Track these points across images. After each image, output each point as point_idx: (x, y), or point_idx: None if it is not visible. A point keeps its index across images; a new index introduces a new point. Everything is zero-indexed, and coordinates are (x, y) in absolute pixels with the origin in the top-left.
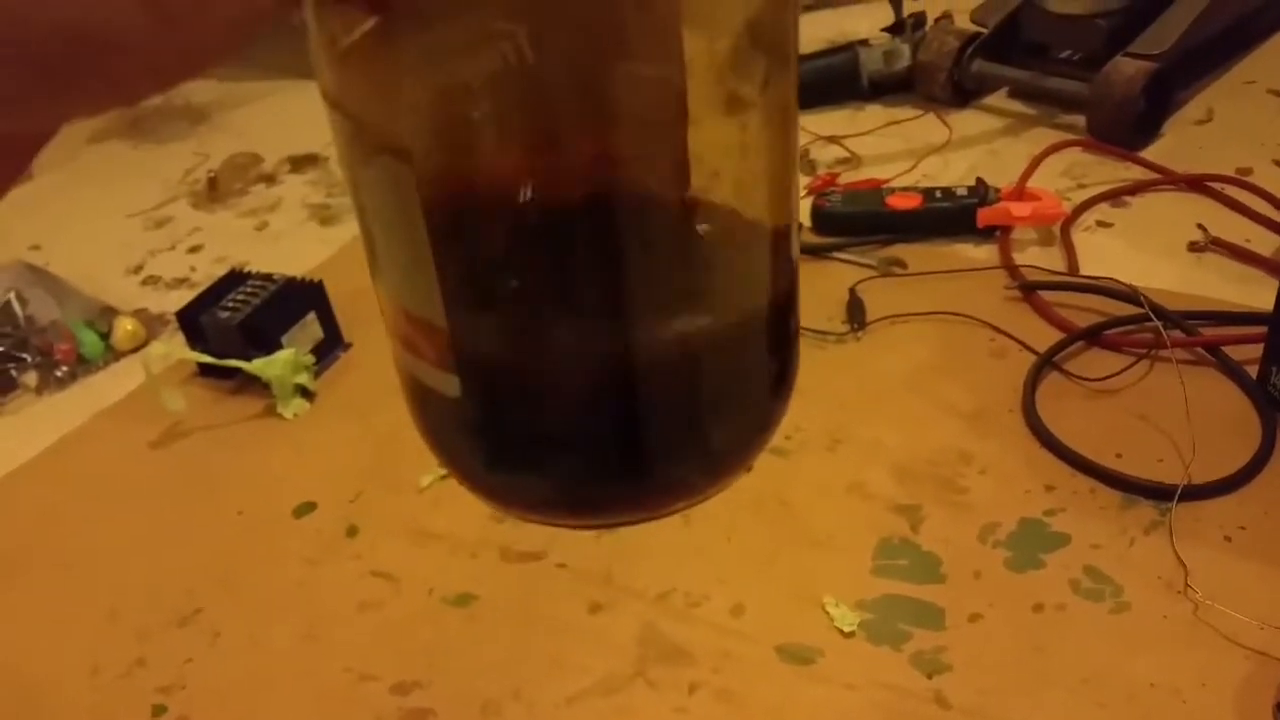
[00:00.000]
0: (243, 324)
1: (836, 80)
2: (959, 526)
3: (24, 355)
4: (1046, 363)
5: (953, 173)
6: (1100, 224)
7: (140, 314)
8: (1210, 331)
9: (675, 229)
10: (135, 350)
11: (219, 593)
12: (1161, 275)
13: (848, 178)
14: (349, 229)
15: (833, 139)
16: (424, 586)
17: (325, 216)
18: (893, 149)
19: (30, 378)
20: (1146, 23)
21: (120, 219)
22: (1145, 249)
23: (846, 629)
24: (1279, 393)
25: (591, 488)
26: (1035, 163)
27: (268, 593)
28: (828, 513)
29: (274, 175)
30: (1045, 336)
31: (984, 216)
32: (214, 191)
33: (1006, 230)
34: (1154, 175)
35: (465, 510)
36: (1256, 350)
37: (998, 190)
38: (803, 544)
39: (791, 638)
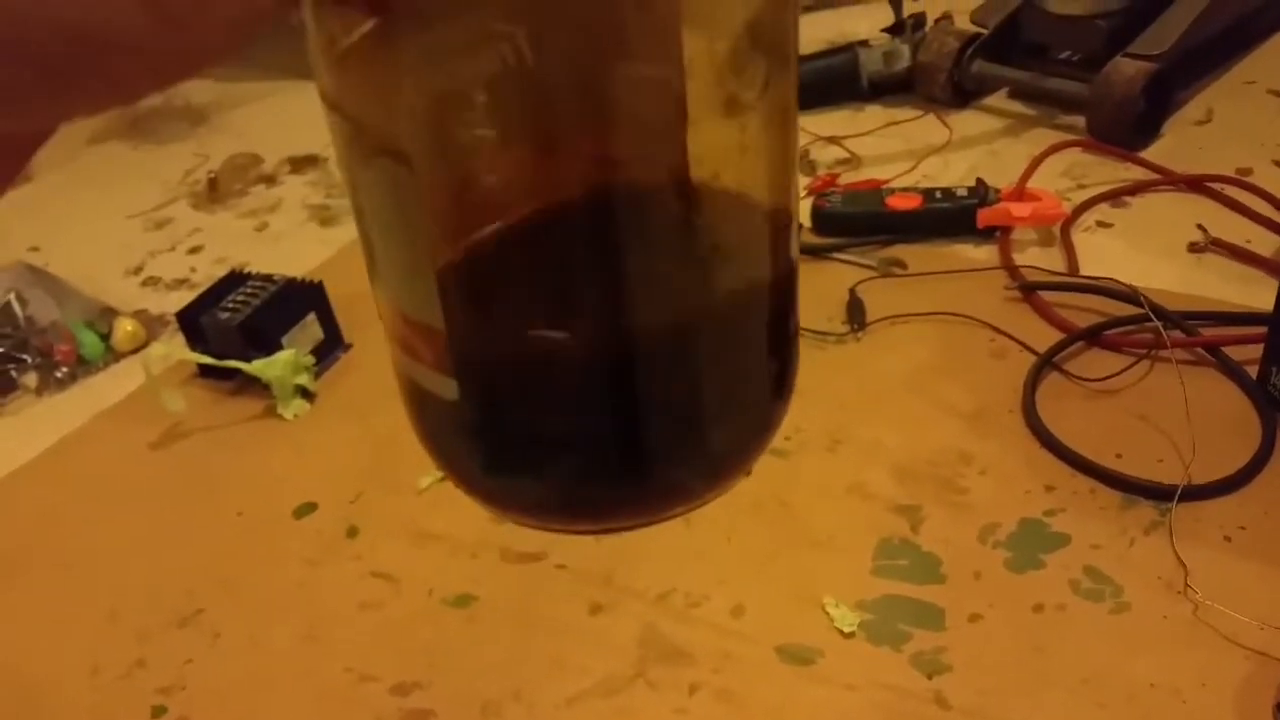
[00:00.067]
0: (243, 325)
1: (836, 81)
2: (959, 527)
3: (24, 356)
4: (1046, 363)
5: (953, 173)
6: (1100, 224)
7: (140, 315)
8: (1210, 332)
9: (674, 230)
10: (135, 351)
11: (219, 593)
12: (1161, 275)
13: (848, 178)
14: (349, 230)
15: (833, 139)
16: (424, 587)
17: (325, 217)
18: (893, 149)
19: (30, 379)
20: (1146, 23)
21: (120, 220)
22: (1145, 249)
23: (846, 629)
24: (1279, 393)
25: (590, 492)
26: (1035, 163)
27: (268, 593)
28: (828, 513)
29: (274, 176)
30: (1045, 337)
31: (984, 217)
32: (214, 192)
33: (1006, 231)
34: (1154, 176)
35: (465, 511)
36: (1256, 350)
37: (998, 191)
38: (803, 544)
39: (792, 638)
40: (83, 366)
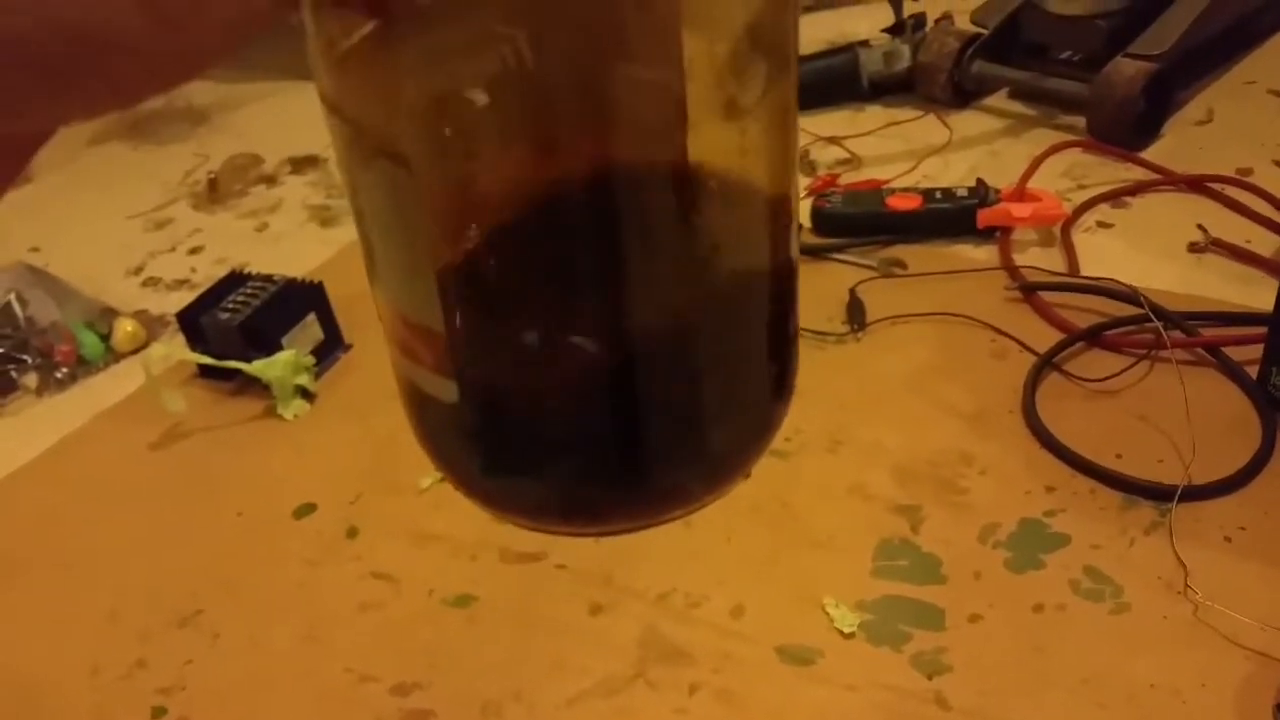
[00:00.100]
0: (243, 325)
1: (837, 81)
2: (959, 527)
3: (24, 357)
4: (1047, 363)
5: (953, 173)
6: (1100, 225)
7: (140, 315)
8: (1210, 332)
9: (675, 232)
10: (135, 351)
11: (219, 594)
12: (1162, 276)
13: (848, 179)
14: (349, 230)
15: (833, 140)
16: (424, 588)
17: (325, 218)
18: (893, 150)
19: (30, 379)
20: (1146, 23)
21: (120, 220)
22: (1145, 249)
23: (847, 630)
24: (1279, 393)
25: (590, 494)
26: (1035, 163)
27: (268, 594)
28: (828, 514)
29: (274, 176)
30: (1045, 337)
31: (984, 217)
32: (214, 193)
33: (1007, 231)
34: (1154, 176)
35: (465, 512)
36: (1257, 351)
37: (998, 191)
38: (803, 545)
39: (792, 639)
40: (83, 367)
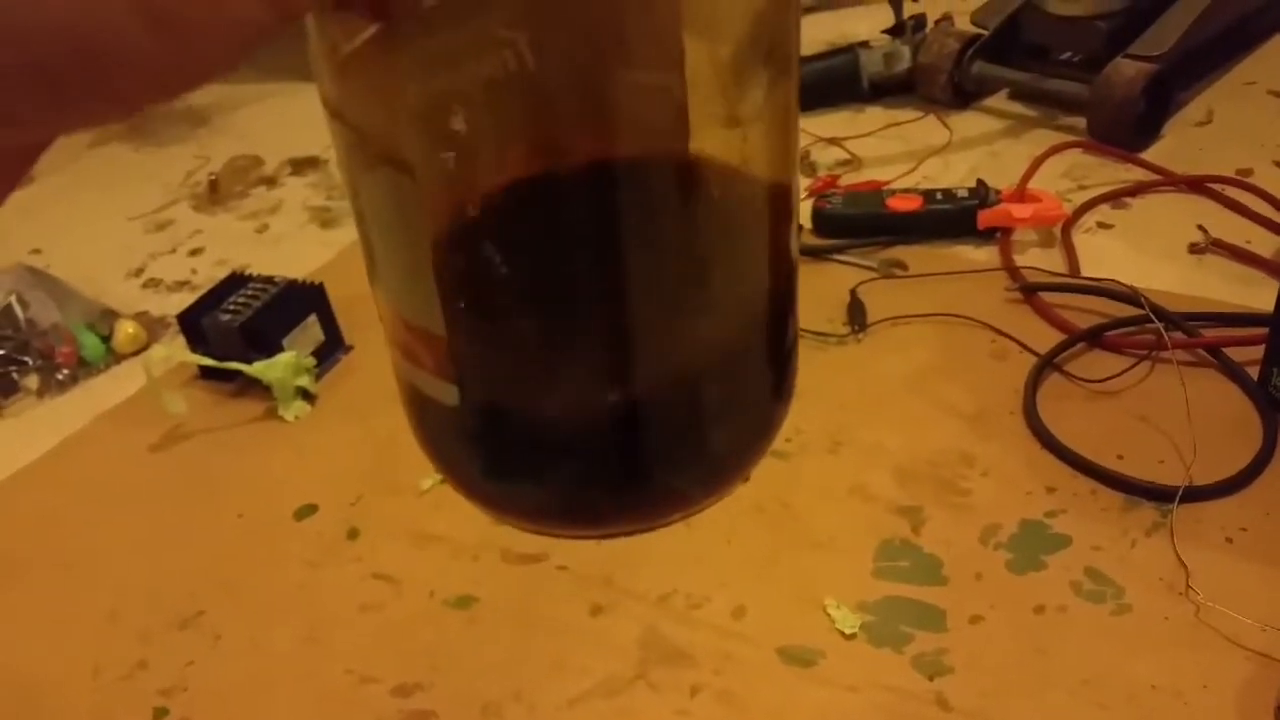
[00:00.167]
0: (244, 326)
1: (837, 82)
2: (960, 528)
3: (25, 358)
4: (1047, 364)
5: (953, 174)
6: (1101, 225)
7: (141, 317)
8: (1211, 333)
9: (676, 235)
10: (136, 353)
11: (220, 595)
12: (1162, 276)
13: (848, 179)
14: (350, 232)
15: (833, 141)
16: (425, 589)
17: (326, 219)
18: (893, 151)
19: (31, 381)
20: (1146, 24)
21: (121, 222)
22: (1146, 250)
23: (848, 631)
24: None
25: (590, 497)
26: (1036, 164)
27: (269, 595)
28: (829, 515)
29: (275, 178)
30: (1046, 338)
31: (984, 218)
32: (215, 194)
33: (1007, 232)
34: (1154, 176)
35: (466, 513)
36: (1257, 352)
37: (998, 192)
38: (804, 546)
39: (793, 640)
40: (84, 368)
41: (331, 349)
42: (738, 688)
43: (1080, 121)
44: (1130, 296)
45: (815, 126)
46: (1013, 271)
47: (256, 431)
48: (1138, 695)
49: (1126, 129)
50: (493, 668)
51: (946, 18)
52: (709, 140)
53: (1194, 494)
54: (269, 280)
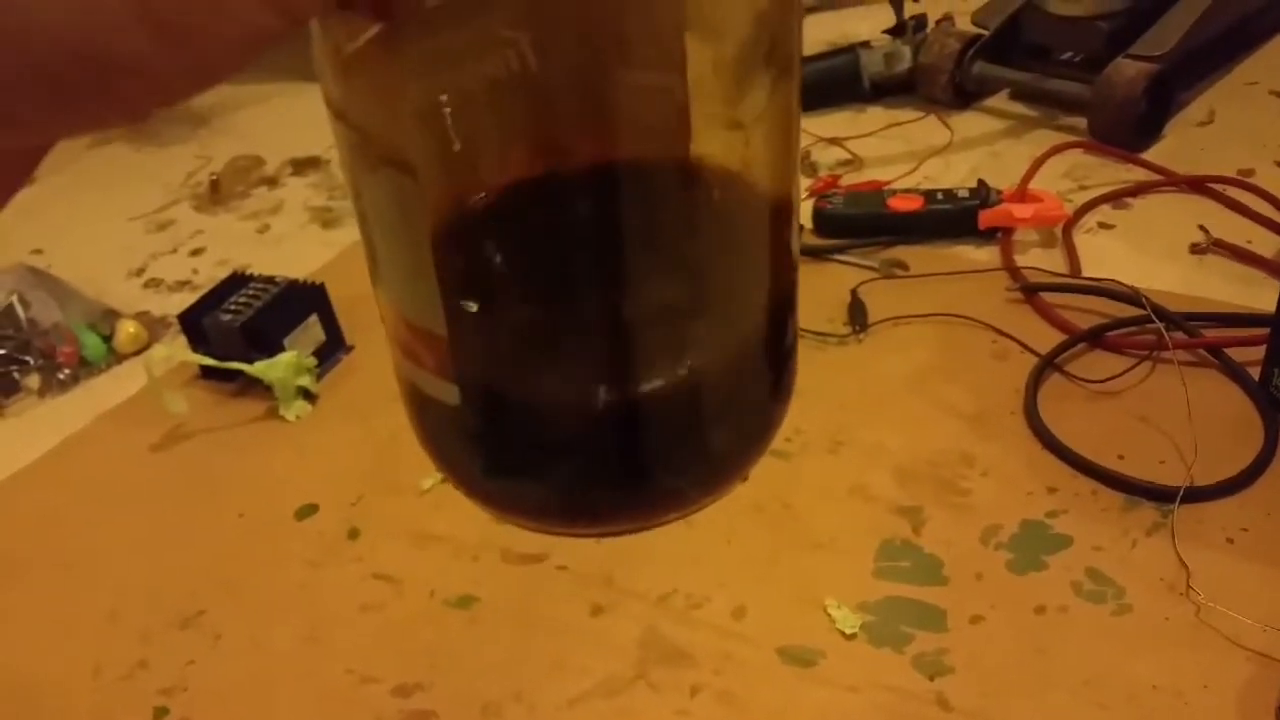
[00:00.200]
0: (245, 326)
1: (838, 82)
2: (961, 528)
3: (26, 358)
4: (1048, 364)
5: (954, 174)
6: (1102, 225)
7: (142, 316)
8: (1212, 333)
9: (676, 237)
10: (137, 353)
11: (220, 595)
12: (1163, 277)
13: (849, 180)
14: (351, 232)
15: (834, 141)
16: (425, 588)
17: (327, 219)
18: (894, 151)
19: (33, 380)
20: (1148, 24)
21: (122, 222)
22: (1147, 250)
23: (848, 631)
24: None
25: (589, 496)
26: (1037, 164)
27: (269, 595)
28: (829, 515)
29: (276, 178)
30: (1047, 338)
31: (985, 218)
32: (216, 194)
33: (1008, 232)
34: (1155, 177)
35: (467, 513)
36: (1258, 352)
37: (999, 192)
38: (804, 546)
39: (793, 640)
40: (85, 368)
41: (332, 349)
42: (738, 688)
43: (1081, 122)
44: (1131, 297)
45: (816, 126)
46: (1014, 272)
47: (257, 431)
48: (1138, 695)
49: (1128, 129)
50: (493, 668)
51: (947, 18)
52: (711, 141)
53: (1195, 494)
54: (270, 280)
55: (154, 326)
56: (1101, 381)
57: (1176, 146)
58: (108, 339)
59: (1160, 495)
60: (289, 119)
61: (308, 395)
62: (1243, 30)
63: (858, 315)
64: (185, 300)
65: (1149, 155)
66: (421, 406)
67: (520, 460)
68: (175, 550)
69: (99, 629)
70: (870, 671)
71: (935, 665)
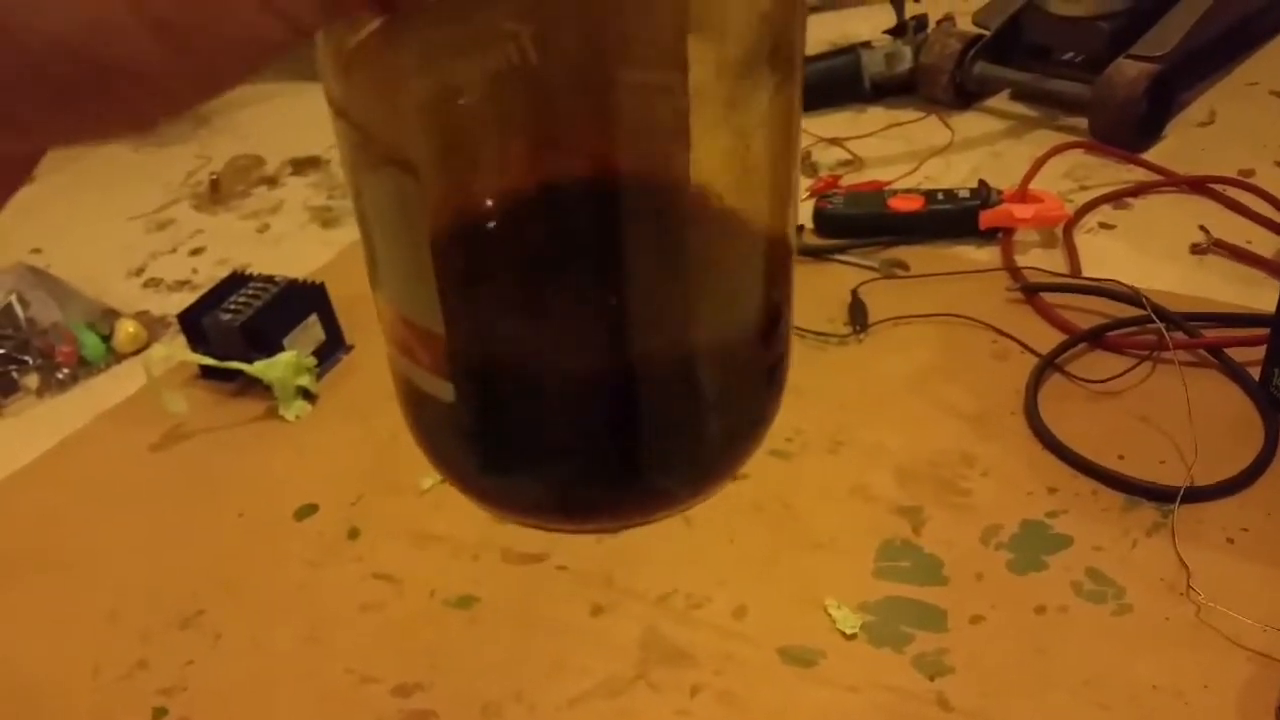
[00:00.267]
0: (244, 326)
1: (839, 82)
2: (961, 528)
3: (25, 357)
4: (1049, 364)
5: (955, 175)
6: (1102, 226)
7: (142, 316)
8: (1212, 333)
9: (674, 237)
10: (137, 352)
11: (220, 594)
12: (1164, 277)
13: (850, 180)
14: (351, 231)
15: (835, 141)
16: (425, 588)
17: (327, 219)
18: (895, 151)
19: (31, 380)
20: (1149, 25)
21: (122, 221)
22: (1147, 251)
23: (848, 631)
24: None
25: (582, 492)
26: (1037, 165)
27: (269, 595)
28: (829, 515)
29: (276, 178)
30: (1047, 338)
31: (986, 218)
32: (216, 194)
33: (1009, 232)
34: (1156, 177)
35: (467, 512)
36: (1259, 352)
37: (1000, 192)
38: (804, 546)
39: (793, 640)
40: (84, 368)
41: (332, 348)
42: (738, 688)
43: (1082, 122)
44: (1132, 297)
45: (817, 126)
46: (1014, 272)
47: (257, 431)
48: (1139, 695)
49: (1128, 129)
50: (493, 668)
51: (948, 18)
52: (711, 141)
53: (1195, 494)
54: (270, 280)
55: (153, 326)
56: (1102, 381)
57: (1177, 147)
58: (107, 338)
59: (1160, 495)
60: (289, 118)
61: (307, 395)
62: (1243, 31)
63: (858, 315)
64: (185, 300)
65: (1150, 155)
66: (416, 402)
67: (512, 456)
68: (175, 550)
69: (98, 629)
70: (870, 671)
71: (935, 665)
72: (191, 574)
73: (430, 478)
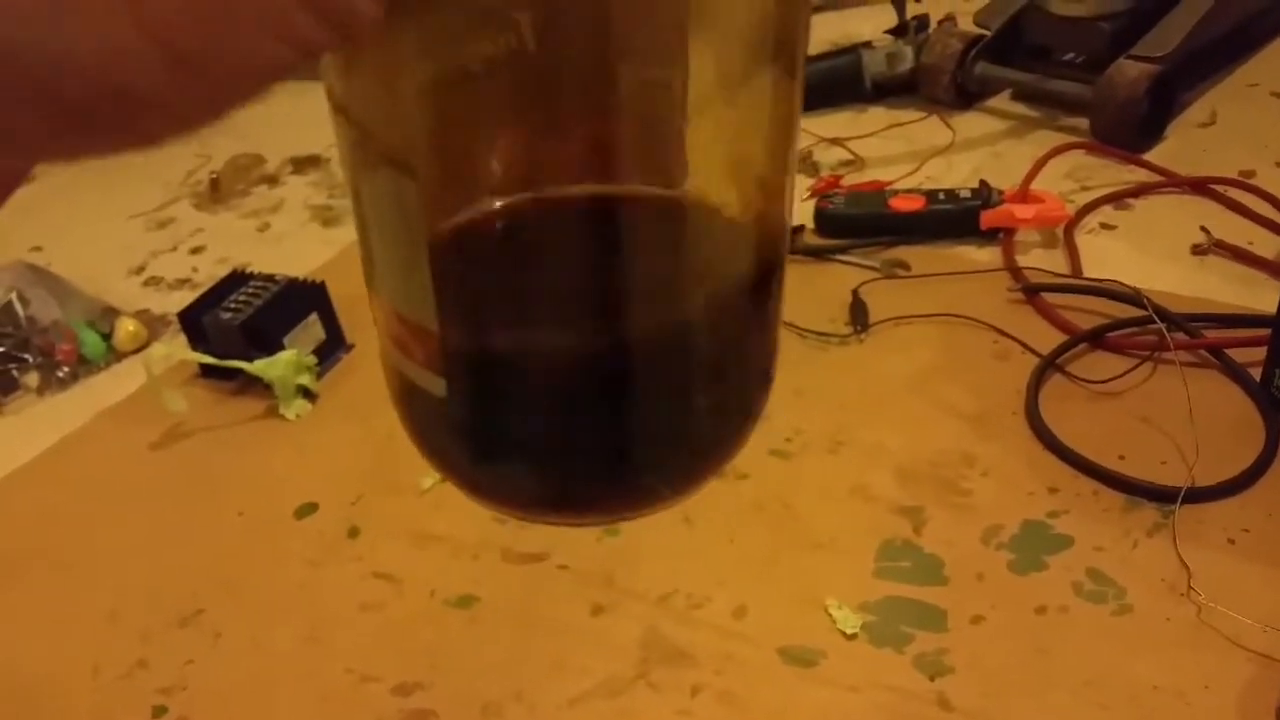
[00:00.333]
0: (244, 325)
1: (840, 82)
2: (962, 528)
3: (25, 356)
4: (1049, 365)
5: (956, 175)
6: (1103, 226)
7: (142, 315)
8: (1213, 334)
9: (669, 232)
10: (137, 351)
11: (220, 594)
12: (1164, 277)
13: (851, 180)
14: (351, 230)
15: (836, 141)
16: (425, 588)
17: (327, 218)
18: (896, 151)
19: (32, 378)
20: (1150, 25)
21: (122, 220)
22: (1148, 251)
23: (849, 631)
24: None
25: (570, 485)
26: (1038, 165)
27: (269, 594)
28: (830, 515)
29: (276, 176)
30: (1048, 338)
31: (987, 219)
32: (216, 192)
33: (1010, 232)
34: (1157, 178)
35: (467, 512)
36: (1260, 353)
37: (1001, 192)
38: (805, 546)
39: (794, 640)
40: (84, 366)
41: (333, 347)
42: (739, 688)
43: (1083, 122)
44: (1132, 297)
45: (818, 126)
46: (1015, 272)
47: (257, 430)
48: (1139, 696)
49: (1129, 130)
50: (493, 667)
51: (949, 18)
52: (708, 139)
53: (1196, 495)
54: (270, 278)
55: (153, 324)
56: (1103, 382)
57: (1178, 147)
58: (107, 337)
59: (1161, 496)
60: (289, 117)
61: (307, 394)
62: (1244, 32)
63: (859, 315)
64: (185, 298)
65: (1150, 156)
66: (408, 395)
67: (503, 449)
68: (175, 549)
69: (98, 628)
70: (871, 671)
71: (936, 665)
72: (191, 573)
73: (430, 477)
